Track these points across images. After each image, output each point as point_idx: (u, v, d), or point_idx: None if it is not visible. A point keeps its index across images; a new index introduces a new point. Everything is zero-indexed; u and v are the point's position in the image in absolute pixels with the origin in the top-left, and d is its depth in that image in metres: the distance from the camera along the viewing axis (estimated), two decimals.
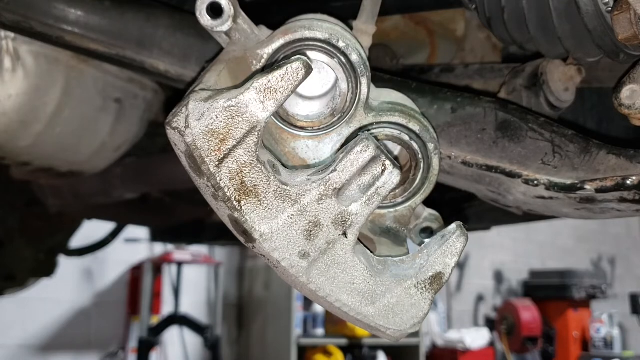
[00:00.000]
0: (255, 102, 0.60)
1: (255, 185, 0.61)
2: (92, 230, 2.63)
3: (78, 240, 2.55)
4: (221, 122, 0.60)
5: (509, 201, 0.93)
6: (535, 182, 0.86)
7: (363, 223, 0.63)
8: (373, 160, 0.63)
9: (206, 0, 0.69)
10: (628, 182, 0.80)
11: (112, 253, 4.05)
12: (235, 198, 0.61)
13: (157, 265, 5.42)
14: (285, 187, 0.62)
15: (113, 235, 2.72)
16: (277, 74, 0.60)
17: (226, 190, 0.61)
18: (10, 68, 1.17)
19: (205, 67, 0.78)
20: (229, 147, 0.60)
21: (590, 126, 1.17)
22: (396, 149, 0.79)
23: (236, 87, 0.61)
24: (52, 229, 2.30)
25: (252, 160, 0.61)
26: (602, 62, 0.93)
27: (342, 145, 0.72)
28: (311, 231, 0.62)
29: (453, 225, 0.65)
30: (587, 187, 0.83)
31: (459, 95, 0.92)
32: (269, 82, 0.60)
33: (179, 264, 5.49)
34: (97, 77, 1.34)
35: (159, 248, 5.49)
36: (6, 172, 1.59)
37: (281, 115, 0.72)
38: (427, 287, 0.64)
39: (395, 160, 0.78)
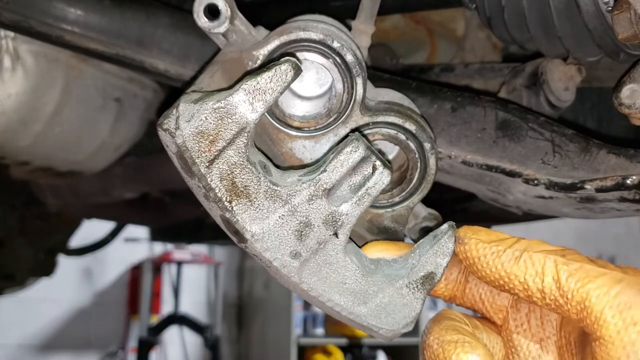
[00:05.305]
0: (244, 104, 0.59)
1: (246, 186, 0.61)
2: (92, 229, 2.63)
3: (78, 239, 2.55)
4: (211, 123, 0.59)
5: (508, 201, 0.93)
6: (535, 181, 0.86)
7: (354, 223, 0.63)
8: (363, 160, 0.63)
9: (203, 2, 0.69)
10: (628, 181, 0.80)
11: (111, 253, 4.06)
12: (226, 199, 0.61)
13: (157, 265, 5.43)
14: (276, 188, 0.61)
15: (113, 234, 2.72)
16: (266, 75, 0.60)
17: (217, 191, 0.61)
18: (10, 67, 1.17)
19: (204, 67, 0.77)
20: (219, 148, 0.60)
21: (590, 126, 1.17)
22: (395, 149, 0.79)
23: (227, 88, 0.61)
24: (51, 228, 2.30)
25: (243, 161, 0.60)
26: (602, 62, 0.93)
27: None
28: (302, 231, 0.62)
29: (445, 225, 0.65)
30: (587, 186, 0.83)
31: (459, 94, 0.92)
32: (257, 83, 0.60)
33: (179, 264, 5.50)
34: (97, 76, 1.33)
35: (158, 247, 5.50)
36: (6, 172, 1.59)
37: (278, 116, 0.72)
38: (419, 287, 0.64)
39: (389, 160, 0.77)
